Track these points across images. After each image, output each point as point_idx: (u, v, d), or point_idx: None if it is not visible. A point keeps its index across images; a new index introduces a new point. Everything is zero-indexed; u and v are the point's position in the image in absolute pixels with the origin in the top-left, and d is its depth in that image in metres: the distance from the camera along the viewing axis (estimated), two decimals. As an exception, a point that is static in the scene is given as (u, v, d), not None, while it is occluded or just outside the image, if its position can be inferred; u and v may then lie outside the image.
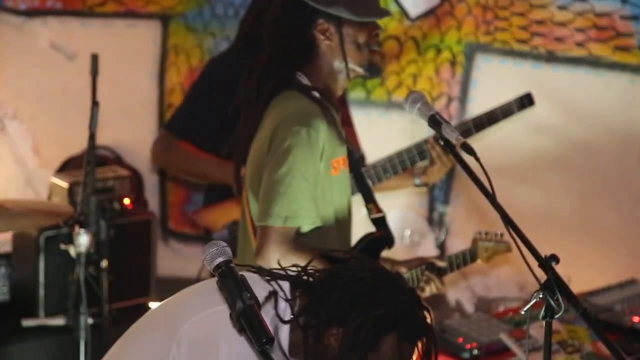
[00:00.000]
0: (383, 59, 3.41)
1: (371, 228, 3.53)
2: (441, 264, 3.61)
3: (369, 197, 3.54)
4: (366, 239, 3.49)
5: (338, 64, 3.26)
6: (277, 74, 3.26)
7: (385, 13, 3.35)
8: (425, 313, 2.46)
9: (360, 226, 3.53)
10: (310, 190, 3.15)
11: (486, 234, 3.78)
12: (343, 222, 3.35)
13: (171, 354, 2.39)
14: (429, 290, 3.56)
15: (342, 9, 3.19)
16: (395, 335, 2.38)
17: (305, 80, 3.27)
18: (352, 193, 3.49)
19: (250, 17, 4.43)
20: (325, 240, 3.26)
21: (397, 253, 5.46)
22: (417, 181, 3.85)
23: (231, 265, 2.29)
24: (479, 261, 3.78)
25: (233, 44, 4.62)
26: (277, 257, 3.01)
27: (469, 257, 3.75)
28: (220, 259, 2.30)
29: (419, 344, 2.41)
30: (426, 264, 3.58)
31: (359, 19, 3.23)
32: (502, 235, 3.75)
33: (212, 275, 2.32)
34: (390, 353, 2.38)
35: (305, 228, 3.20)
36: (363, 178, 3.57)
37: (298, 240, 3.17)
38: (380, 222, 3.51)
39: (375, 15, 3.29)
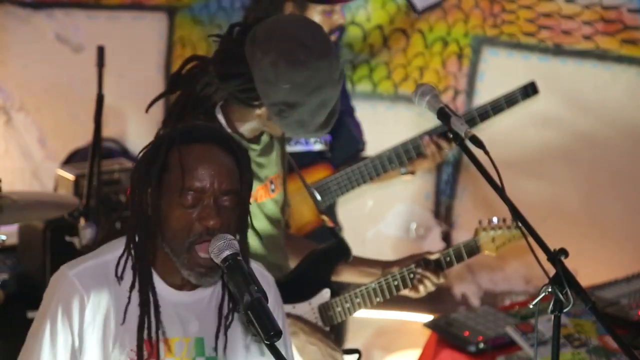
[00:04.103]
0: None
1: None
2: (434, 257, 3.34)
3: (320, 210, 3.55)
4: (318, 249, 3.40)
5: None
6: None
7: None
8: None
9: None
10: None
11: (489, 222, 3.38)
12: (270, 239, 3.22)
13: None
14: (423, 289, 3.31)
15: None
16: (176, 147, 2.45)
17: (221, 117, 3.07)
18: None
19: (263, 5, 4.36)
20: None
21: (403, 247, 5.48)
22: (403, 170, 3.94)
23: (238, 258, 2.28)
24: (486, 252, 3.39)
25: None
26: None
27: (470, 248, 3.36)
28: (227, 252, 2.29)
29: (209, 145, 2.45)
30: (417, 262, 3.33)
31: None
32: (505, 220, 3.37)
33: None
34: (178, 162, 2.42)
35: None
36: (313, 194, 3.55)
37: None
38: (333, 233, 3.43)
39: None
